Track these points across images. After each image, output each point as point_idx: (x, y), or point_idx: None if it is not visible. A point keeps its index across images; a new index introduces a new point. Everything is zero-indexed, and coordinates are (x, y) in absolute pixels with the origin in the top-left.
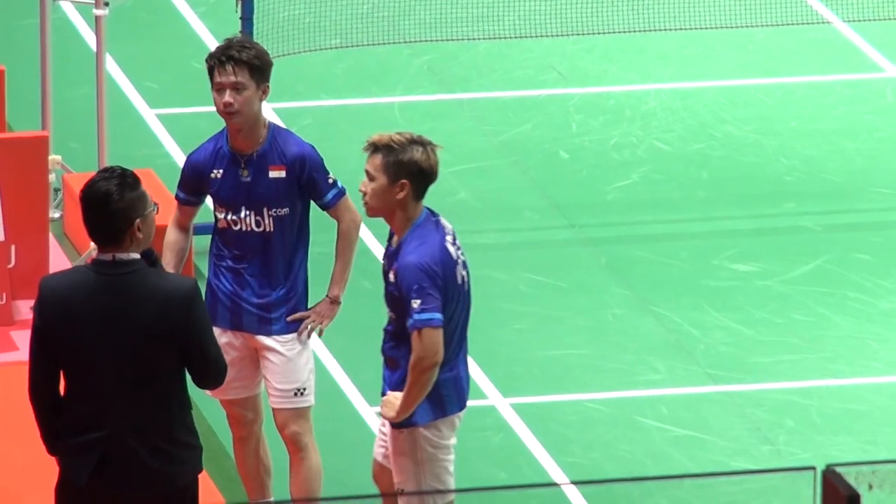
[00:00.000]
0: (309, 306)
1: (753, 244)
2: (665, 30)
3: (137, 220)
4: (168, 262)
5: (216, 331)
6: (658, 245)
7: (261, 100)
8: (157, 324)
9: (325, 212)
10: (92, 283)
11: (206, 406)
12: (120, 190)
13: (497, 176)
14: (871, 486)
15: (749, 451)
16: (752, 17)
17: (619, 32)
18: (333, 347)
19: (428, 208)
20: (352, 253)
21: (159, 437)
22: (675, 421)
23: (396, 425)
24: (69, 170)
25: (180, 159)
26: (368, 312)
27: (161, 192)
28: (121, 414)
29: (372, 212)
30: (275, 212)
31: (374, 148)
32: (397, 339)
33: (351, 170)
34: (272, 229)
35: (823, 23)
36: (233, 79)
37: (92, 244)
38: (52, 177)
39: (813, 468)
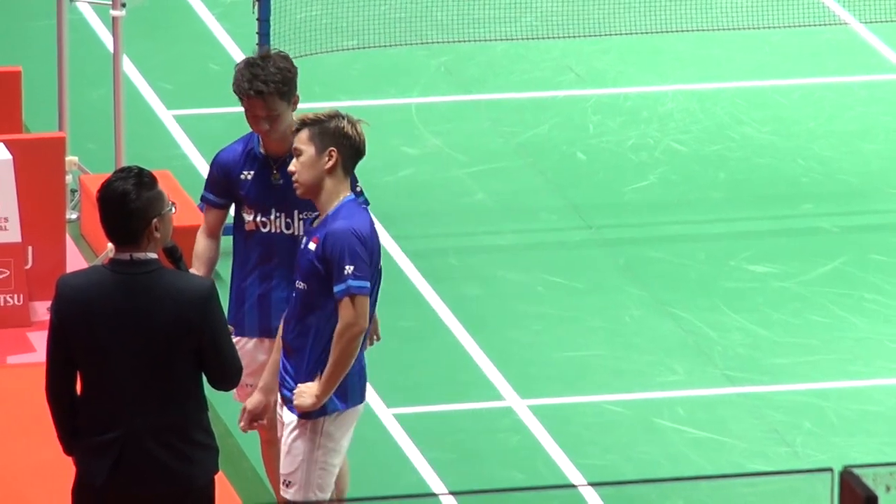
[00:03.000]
0: None
1: (770, 245)
2: (682, 31)
3: (155, 220)
4: (197, 273)
5: (243, 340)
6: (675, 246)
7: (292, 111)
8: (174, 324)
9: None
10: (109, 283)
11: (224, 407)
12: (137, 189)
13: (514, 177)
14: (888, 488)
15: (766, 452)
16: (769, 19)
17: (637, 34)
18: None
19: (355, 194)
20: None
21: (176, 438)
22: (692, 422)
23: (304, 415)
24: (86, 171)
25: (197, 160)
26: (384, 313)
27: (178, 193)
28: (137, 414)
29: (303, 189)
30: (305, 214)
31: (301, 124)
32: (303, 322)
33: (368, 169)
34: (302, 232)
35: (840, 24)
36: (266, 111)
37: (109, 245)
38: (68, 178)
39: (830, 470)
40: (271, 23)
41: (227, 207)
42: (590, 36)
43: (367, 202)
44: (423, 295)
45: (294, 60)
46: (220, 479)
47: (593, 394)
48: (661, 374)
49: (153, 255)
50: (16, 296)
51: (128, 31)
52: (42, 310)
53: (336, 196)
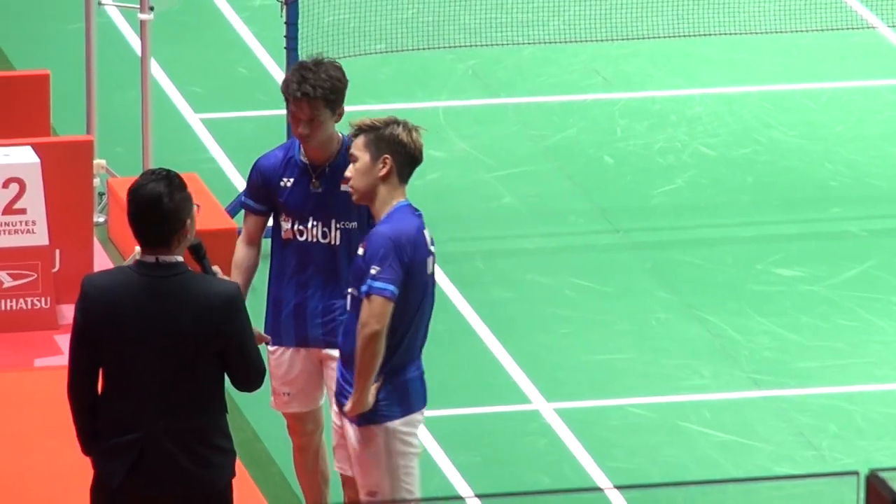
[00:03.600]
0: None
1: (798, 249)
2: (710, 34)
3: (187, 221)
4: (236, 282)
5: (280, 350)
6: (703, 250)
7: (335, 122)
8: (196, 327)
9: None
10: (134, 285)
11: (252, 411)
12: (170, 191)
13: (542, 180)
14: None
15: (793, 456)
16: (797, 22)
17: (664, 37)
18: None
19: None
20: None
21: (196, 441)
22: (719, 426)
23: (364, 423)
24: (114, 174)
25: (225, 164)
26: None
27: (206, 197)
28: (157, 416)
29: (358, 195)
30: (343, 224)
31: (357, 130)
32: (354, 329)
33: None
34: (338, 242)
35: (868, 28)
36: (309, 114)
37: (137, 248)
38: (96, 181)
39: (856, 473)
40: (299, 26)
41: (266, 214)
42: (618, 39)
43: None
44: (451, 299)
45: None
46: (248, 484)
47: (620, 397)
48: (688, 377)
49: (179, 258)
50: (43, 299)
51: (156, 34)
52: (69, 313)
53: (389, 202)
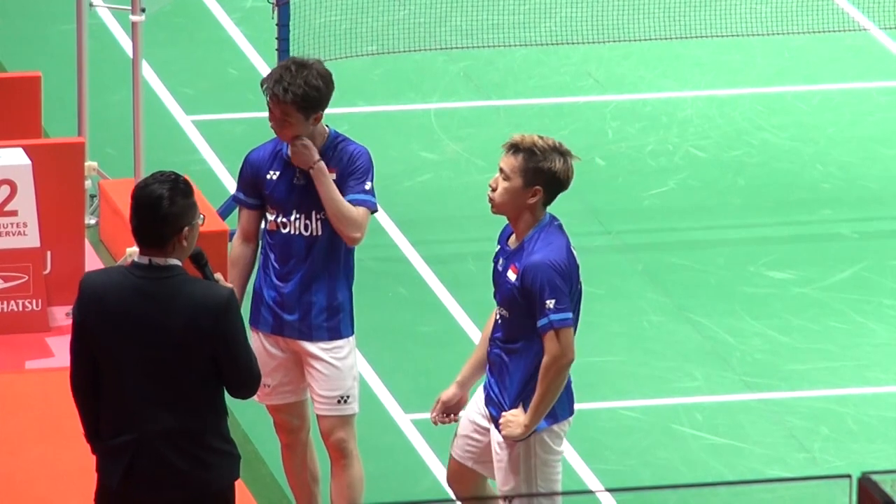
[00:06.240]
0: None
1: (790, 251)
2: (702, 37)
3: (185, 228)
4: (234, 280)
5: (259, 335)
6: (694, 252)
7: (312, 125)
8: (185, 331)
9: None
10: (127, 285)
11: (242, 413)
12: (171, 195)
13: None
14: None
15: (785, 458)
16: (788, 25)
17: (656, 39)
18: (367, 354)
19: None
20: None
21: (190, 443)
22: (711, 428)
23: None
24: (105, 176)
25: (216, 165)
26: (403, 319)
27: (197, 199)
28: (149, 418)
29: (497, 209)
30: (322, 215)
31: (516, 149)
32: (507, 347)
33: (387, 175)
34: (320, 233)
35: (860, 30)
36: (279, 115)
37: (128, 251)
38: (88, 183)
39: (849, 476)
40: (290, 28)
41: (259, 209)
42: (609, 42)
43: (373, 205)
44: (443, 300)
45: None
46: (239, 485)
47: (612, 399)
48: (680, 379)
49: (175, 262)
50: (34, 301)
51: (147, 36)
52: (61, 315)
53: (534, 223)
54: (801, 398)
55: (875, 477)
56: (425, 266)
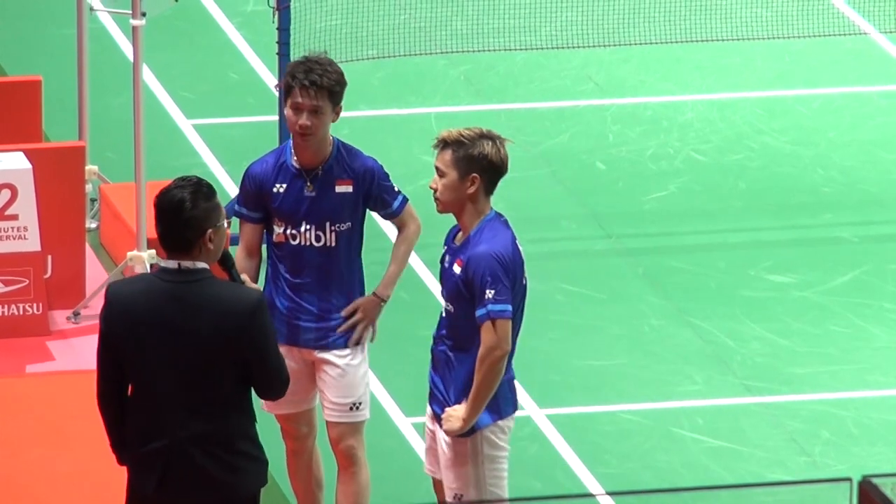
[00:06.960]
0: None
1: (790, 255)
2: (702, 41)
3: (210, 231)
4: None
5: None
6: (695, 255)
7: (333, 120)
8: (214, 335)
9: (389, 221)
10: (156, 292)
11: None
12: (193, 199)
13: (534, 186)
14: None
15: (785, 462)
16: (789, 28)
17: (657, 43)
18: (370, 358)
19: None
20: (408, 257)
21: (220, 448)
22: (712, 432)
23: (459, 434)
24: (106, 180)
25: (216, 169)
26: (405, 323)
27: None
28: (181, 423)
29: (443, 207)
30: (337, 227)
31: (444, 144)
32: (454, 339)
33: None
34: (334, 244)
35: (861, 34)
36: (314, 103)
37: (128, 255)
38: (88, 187)
39: (849, 479)
40: (291, 32)
41: (262, 222)
42: (610, 45)
43: (406, 197)
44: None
45: None
46: None
47: (612, 403)
48: (681, 383)
49: (202, 265)
50: (35, 305)
51: (148, 40)
52: (61, 319)
53: (478, 216)
54: (801, 402)
55: (876, 480)
56: (426, 270)
